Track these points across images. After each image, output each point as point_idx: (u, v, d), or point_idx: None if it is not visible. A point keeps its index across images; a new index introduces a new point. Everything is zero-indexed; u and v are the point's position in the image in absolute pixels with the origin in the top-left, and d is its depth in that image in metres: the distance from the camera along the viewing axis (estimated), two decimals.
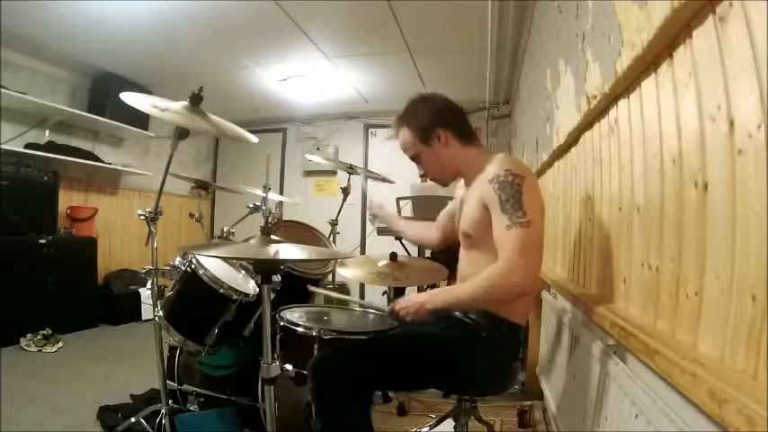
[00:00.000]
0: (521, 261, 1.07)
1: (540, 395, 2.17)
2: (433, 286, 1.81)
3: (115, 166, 4.07)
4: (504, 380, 1.29)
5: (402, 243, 3.44)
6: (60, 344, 3.04)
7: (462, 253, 1.35)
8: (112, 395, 2.21)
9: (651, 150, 0.91)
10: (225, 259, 1.75)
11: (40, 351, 2.93)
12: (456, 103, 1.35)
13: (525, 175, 1.15)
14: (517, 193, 1.11)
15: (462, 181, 1.38)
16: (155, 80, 3.95)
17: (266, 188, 1.45)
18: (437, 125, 1.29)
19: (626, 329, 0.89)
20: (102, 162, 3.96)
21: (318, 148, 5.15)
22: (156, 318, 1.61)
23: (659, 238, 0.85)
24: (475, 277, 1.13)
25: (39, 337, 2.99)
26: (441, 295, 1.19)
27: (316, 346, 1.36)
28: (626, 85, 1.03)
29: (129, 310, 3.87)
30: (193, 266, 1.60)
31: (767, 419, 0.45)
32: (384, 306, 1.35)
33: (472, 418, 1.57)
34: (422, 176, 1.38)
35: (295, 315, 1.54)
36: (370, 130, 5.20)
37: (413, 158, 1.35)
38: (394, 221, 1.79)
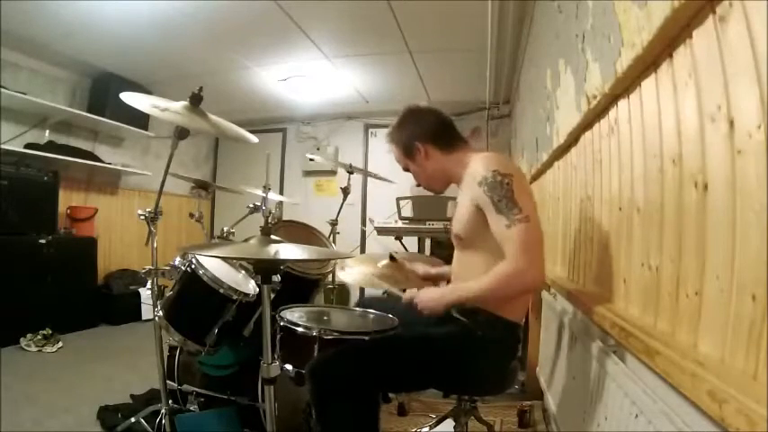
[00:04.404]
0: (527, 258, 1.10)
1: (540, 395, 2.17)
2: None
3: (115, 166, 4.07)
4: (504, 379, 1.30)
5: (402, 243, 3.44)
6: (60, 344, 3.04)
7: (456, 254, 1.38)
8: (112, 395, 2.21)
9: (651, 150, 0.91)
10: (225, 259, 1.75)
11: (40, 351, 2.93)
12: (438, 112, 1.40)
13: (513, 172, 1.18)
14: (509, 192, 1.14)
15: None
16: (155, 80, 3.95)
17: (266, 188, 1.45)
18: (415, 140, 1.37)
19: (626, 329, 0.88)
20: (102, 162, 3.96)
21: (318, 148, 5.15)
22: (156, 318, 1.61)
23: (659, 238, 0.85)
24: (485, 275, 1.15)
25: (39, 337, 2.99)
26: (456, 292, 1.24)
27: (316, 346, 1.36)
28: (626, 85, 1.03)
29: (129, 310, 3.88)
30: (193, 266, 1.60)
31: (767, 419, 0.45)
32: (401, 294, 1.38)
33: (472, 418, 1.57)
34: (417, 185, 1.48)
35: (295, 315, 1.54)
36: (370, 130, 5.20)
37: (405, 170, 1.46)
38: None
